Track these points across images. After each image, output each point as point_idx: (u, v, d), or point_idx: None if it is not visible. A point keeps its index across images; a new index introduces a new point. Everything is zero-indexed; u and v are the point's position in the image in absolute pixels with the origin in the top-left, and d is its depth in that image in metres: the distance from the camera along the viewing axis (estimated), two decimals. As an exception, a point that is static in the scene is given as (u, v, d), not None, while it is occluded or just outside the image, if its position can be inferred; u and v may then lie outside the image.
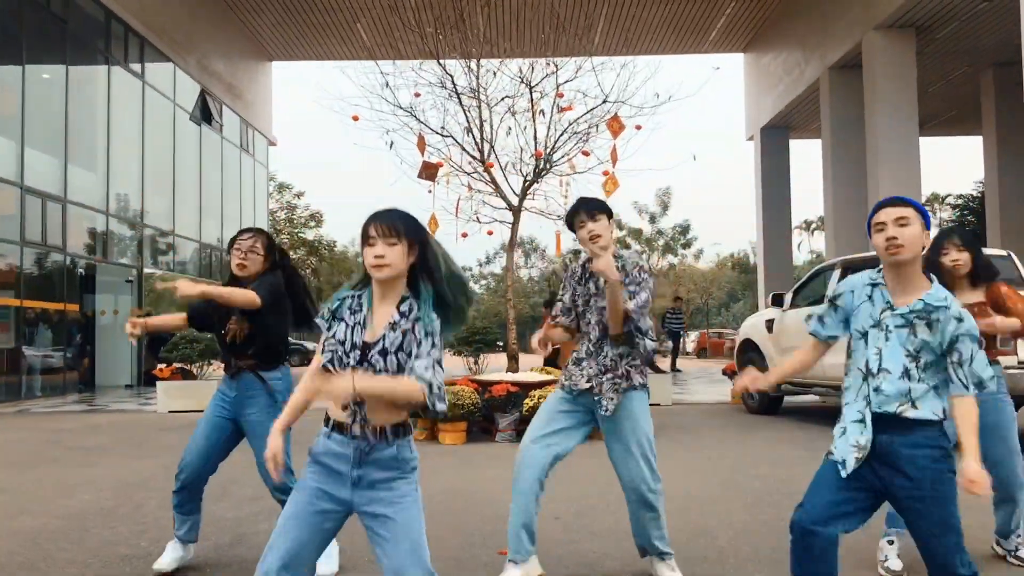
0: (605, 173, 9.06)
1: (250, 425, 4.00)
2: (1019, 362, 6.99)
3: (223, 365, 4.16)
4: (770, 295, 11.21)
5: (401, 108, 9.25)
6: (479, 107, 9.13)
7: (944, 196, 47.14)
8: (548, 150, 9.14)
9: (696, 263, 54.97)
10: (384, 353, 2.39)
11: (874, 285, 2.72)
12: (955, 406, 2.59)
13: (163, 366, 13.40)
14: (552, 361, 14.64)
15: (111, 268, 18.69)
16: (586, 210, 3.85)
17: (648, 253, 53.15)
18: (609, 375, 3.80)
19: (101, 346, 18.68)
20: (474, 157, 9.23)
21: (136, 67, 19.48)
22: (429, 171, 9.03)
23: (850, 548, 4.29)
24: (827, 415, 10.71)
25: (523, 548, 3.80)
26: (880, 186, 18.75)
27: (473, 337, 13.14)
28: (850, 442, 2.64)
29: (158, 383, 12.55)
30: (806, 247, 62.54)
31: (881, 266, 2.73)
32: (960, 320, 2.58)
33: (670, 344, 22.47)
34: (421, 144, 9.13)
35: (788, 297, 10.60)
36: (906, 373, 2.60)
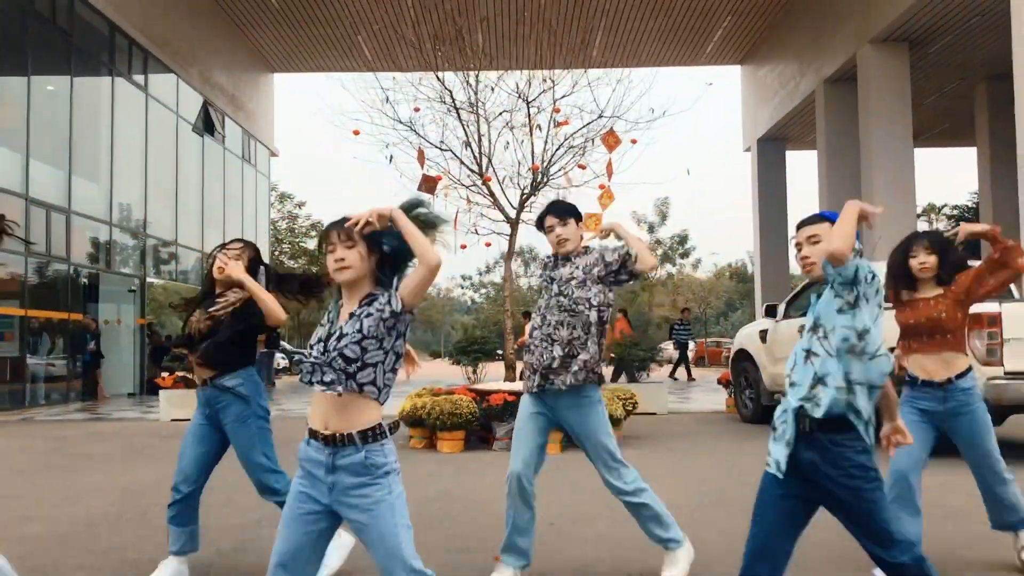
0: (601, 187, 9.25)
1: (229, 433, 4.09)
2: (1005, 372, 7.14)
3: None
4: (764, 306, 11.37)
5: (401, 122, 9.45)
6: (477, 122, 9.32)
7: (941, 206, 47.38)
8: (545, 164, 9.33)
9: (694, 273, 55.14)
10: (340, 337, 2.52)
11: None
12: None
13: (165, 375, 13.56)
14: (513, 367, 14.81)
15: (114, 277, 18.87)
16: (555, 214, 4.01)
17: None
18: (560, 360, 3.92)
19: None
20: (472, 170, 9.41)
21: (140, 79, 19.69)
22: (429, 184, 9.22)
23: (833, 550, 4.45)
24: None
25: (523, 554, 3.97)
26: (875, 198, 18.92)
27: (471, 346, 13.34)
28: (778, 444, 2.75)
29: (161, 392, 12.70)
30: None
31: None
32: (830, 290, 2.71)
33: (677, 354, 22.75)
34: (421, 158, 9.32)
35: (781, 308, 10.76)
36: (819, 381, 2.69)
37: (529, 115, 9.24)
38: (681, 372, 23.59)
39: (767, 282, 27.33)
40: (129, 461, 8.33)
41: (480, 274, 67.58)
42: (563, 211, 4.02)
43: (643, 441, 9.41)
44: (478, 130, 9.35)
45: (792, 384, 2.75)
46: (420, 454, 8.48)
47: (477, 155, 9.35)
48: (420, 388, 9.69)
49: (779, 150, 28.21)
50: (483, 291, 71.39)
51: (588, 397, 4.01)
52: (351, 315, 2.55)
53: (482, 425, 8.78)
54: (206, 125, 23.45)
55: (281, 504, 4.10)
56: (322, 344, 2.57)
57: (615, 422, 8.96)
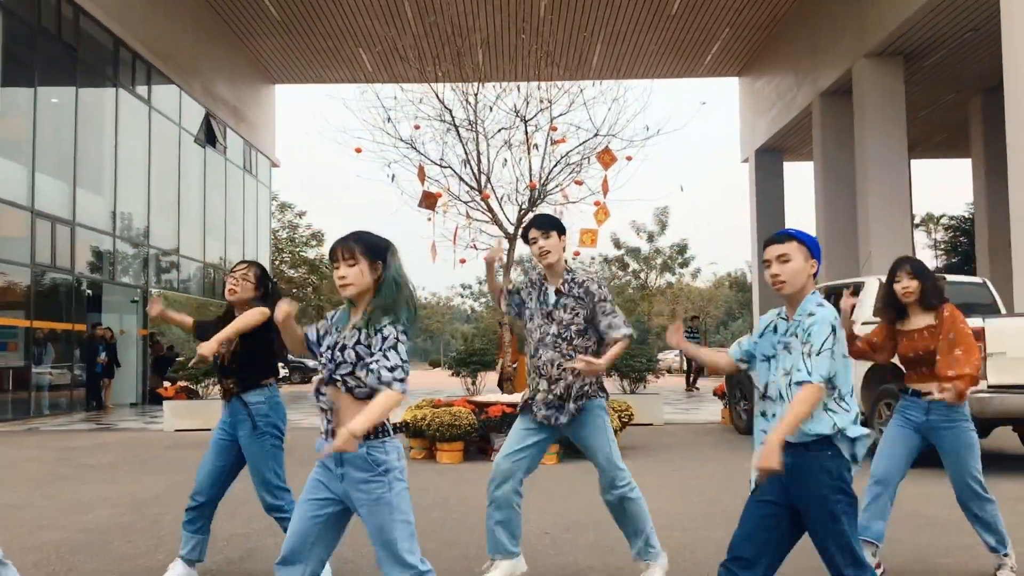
0: (597, 203, 9.47)
1: (242, 446, 4.30)
2: (988, 386, 7.33)
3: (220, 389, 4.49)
4: (760, 319, 11.55)
5: (402, 140, 9.68)
6: (476, 139, 9.55)
7: (939, 216, 47.61)
8: (542, 181, 9.55)
9: (694, 282, 55.32)
10: (343, 349, 2.78)
11: (780, 317, 3.00)
12: (796, 391, 2.76)
13: (167, 384, 13.76)
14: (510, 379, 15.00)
15: (117, 288, 19.08)
16: (539, 227, 4.17)
17: (646, 271, 53.57)
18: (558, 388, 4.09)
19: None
20: (471, 187, 9.64)
21: (143, 92, 19.94)
22: (429, 201, 9.44)
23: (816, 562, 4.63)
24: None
25: (501, 546, 4.13)
26: (870, 209, 19.17)
27: (471, 358, 13.53)
28: (753, 461, 2.90)
29: (165, 402, 12.89)
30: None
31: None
32: (812, 315, 2.82)
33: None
34: (421, 175, 9.55)
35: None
36: (781, 396, 2.86)
37: (527, 133, 9.48)
38: (690, 379, 23.71)
39: (765, 292, 27.54)
40: (136, 471, 8.52)
41: (480, 283, 67.79)
42: (547, 224, 4.17)
43: (639, 452, 9.59)
44: (477, 148, 9.57)
45: (767, 415, 2.93)
46: (420, 464, 8.67)
47: (476, 172, 9.58)
48: (420, 400, 9.89)
49: (776, 161, 28.48)
50: (483, 300, 71.59)
51: (591, 411, 4.17)
52: (354, 325, 2.80)
53: (481, 436, 8.97)
54: (208, 136, 23.70)
55: (282, 521, 4.29)
56: (330, 352, 2.82)
57: (611, 433, 9.16)
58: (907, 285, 4.37)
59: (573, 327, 4.12)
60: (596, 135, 9.66)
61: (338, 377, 2.78)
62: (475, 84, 9.63)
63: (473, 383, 13.91)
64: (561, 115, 9.64)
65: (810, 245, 2.96)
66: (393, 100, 9.79)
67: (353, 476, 2.74)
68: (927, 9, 16.87)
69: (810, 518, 2.83)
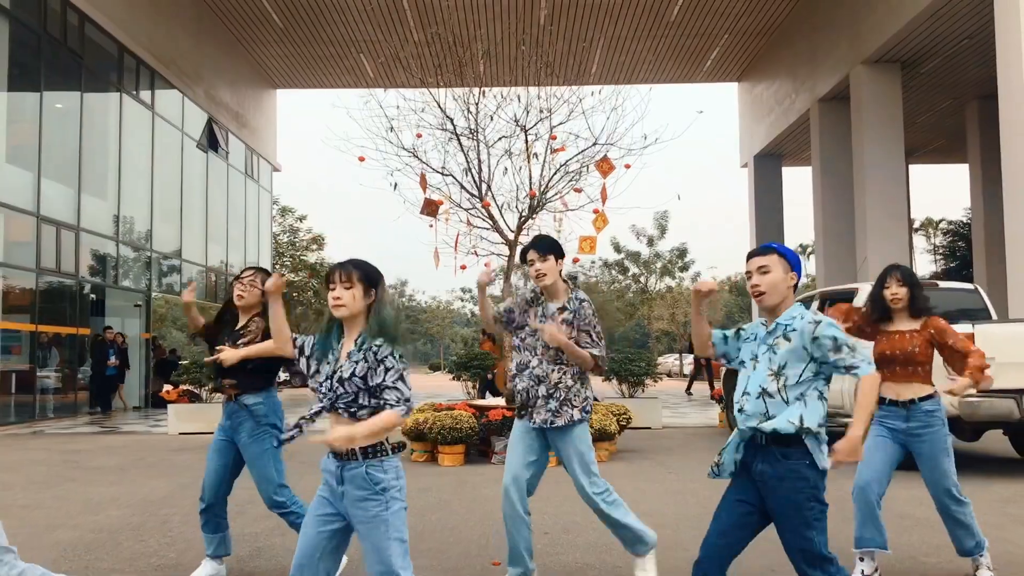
0: (595, 211, 9.64)
1: (242, 448, 4.47)
2: (978, 390, 7.47)
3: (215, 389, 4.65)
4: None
5: (404, 149, 9.86)
6: (477, 148, 9.72)
7: (938, 221, 47.79)
8: (541, 189, 9.72)
9: (693, 286, 55.40)
10: (342, 381, 2.90)
11: (764, 326, 3.14)
12: (859, 390, 3.00)
13: (170, 388, 13.92)
14: (490, 384, 15.19)
15: (120, 292, 19.25)
16: (537, 249, 4.31)
17: (646, 275, 53.66)
18: (552, 397, 4.24)
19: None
20: (472, 195, 9.82)
21: (147, 98, 20.12)
22: (431, 208, 9.61)
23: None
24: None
25: (526, 564, 4.29)
26: (867, 214, 19.35)
27: (472, 362, 13.70)
28: (731, 455, 3.08)
29: (169, 406, 13.05)
30: (802, 271, 63.01)
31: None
32: (818, 322, 2.96)
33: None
34: (423, 183, 9.73)
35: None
36: (764, 392, 2.99)
37: (527, 142, 9.65)
38: (698, 386, 23.81)
39: (763, 296, 27.65)
40: (143, 473, 8.68)
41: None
42: (545, 248, 4.30)
43: (635, 454, 9.76)
44: (478, 156, 9.75)
45: (744, 412, 3.08)
46: (422, 467, 8.84)
47: (477, 181, 9.76)
48: (422, 404, 10.05)
49: (775, 166, 28.67)
50: (483, 303, 71.57)
51: (571, 427, 4.33)
52: (349, 355, 2.93)
53: (482, 439, 9.14)
54: (210, 142, 23.89)
55: (286, 516, 4.47)
56: (328, 382, 2.95)
57: (608, 437, 9.33)
58: (896, 292, 4.53)
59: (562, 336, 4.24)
60: (595, 144, 9.85)
61: (340, 407, 2.90)
62: (476, 93, 9.81)
63: (474, 387, 14.09)
64: (561, 124, 9.83)
65: (790, 258, 3.11)
66: (396, 110, 9.97)
67: (352, 494, 2.88)
68: (923, 17, 17.06)
69: (783, 524, 2.96)
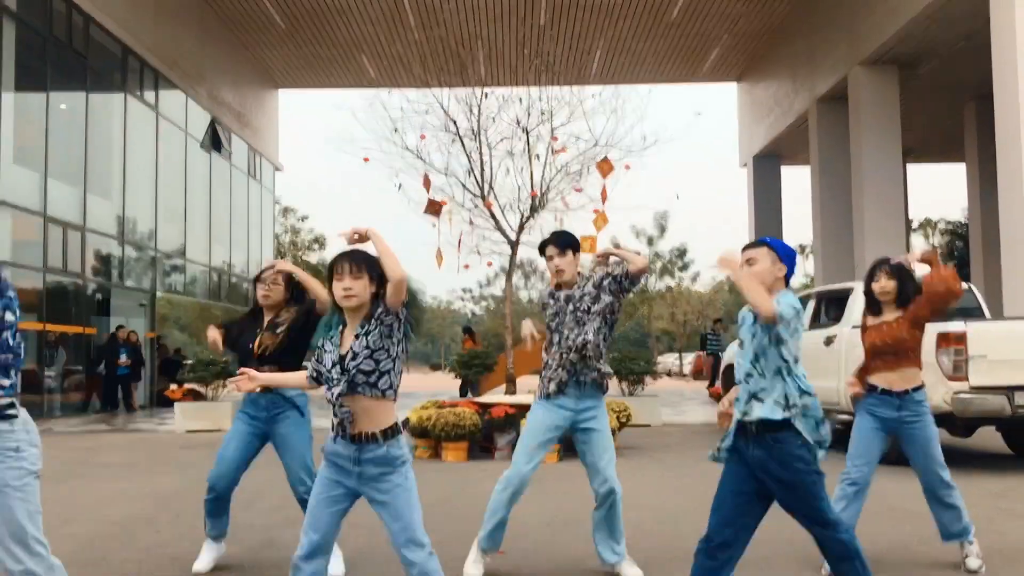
0: (595, 211, 9.82)
1: (282, 439, 4.58)
2: (970, 387, 7.65)
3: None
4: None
5: (408, 150, 10.04)
6: (480, 149, 9.89)
7: (936, 221, 47.96)
8: (543, 189, 9.90)
9: (693, 286, 55.65)
10: (355, 357, 3.06)
11: (750, 311, 3.33)
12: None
13: (174, 387, 14.10)
14: (468, 389, 15.35)
15: (124, 292, 19.42)
16: (556, 244, 4.46)
17: (646, 275, 53.84)
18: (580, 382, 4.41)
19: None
20: (475, 195, 9.99)
21: (151, 99, 20.30)
22: (434, 208, 9.78)
23: (796, 550, 4.96)
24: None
25: (498, 541, 4.54)
26: (865, 214, 19.50)
27: (474, 360, 13.86)
28: (725, 440, 3.29)
29: (176, 404, 13.22)
30: (801, 270, 63.29)
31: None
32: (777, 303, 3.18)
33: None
34: (427, 183, 9.90)
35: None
36: (748, 376, 3.22)
37: (528, 143, 9.83)
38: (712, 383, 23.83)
39: (763, 296, 27.81)
40: (153, 470, 8.85)
41: (481, 286, 68.09)
42: (564, 243, 4.46)
43: (635, 451, 9.93)
44: (480, 157, 9.92)
45: (739, 399, 3.28)
46: (426, 463, 9.00)
47: (479, 181, 9.93)
48: (425, 401, 10.22)
49: (774, 166, 28.81)
50: (483, 303, 71.90)
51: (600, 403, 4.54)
52: (356, 336, 3.08)
53: (485, 436, 9.30)
54: (213, 142, 24.06)
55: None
56: (338, 367, 3.09)
57: (609, 433, 9.49)
58: (884, 285, 4.69)
59: (587, 297, 4.43)
60: (595, 145, 10.03)
61: (359, 382, 3.05)
62: (478, 94, 9.98)
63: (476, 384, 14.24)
64: (562, 125, 10.01)
65: (780, 251, 3.31)
66: (400, 112, 10.15)
67: (371, 472, 3.06)
68: (920, 19, 17.20)
69: (790, 501, 3.18)
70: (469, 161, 9.85)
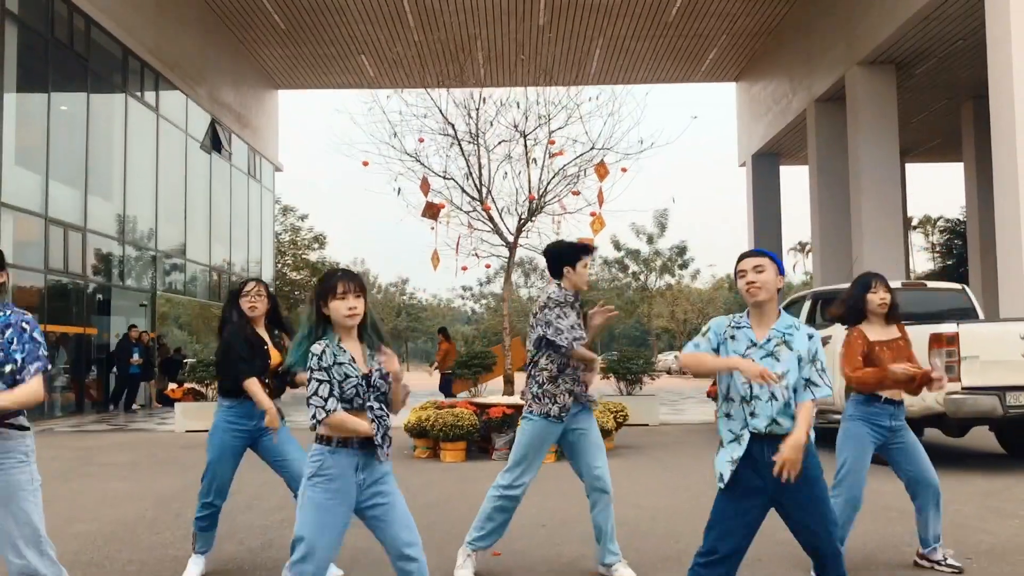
0: (592, 214, 9.91)
1: (277, 449, 4.67)
2: (963, 388, 7.74)
3: (247, 392, 4.62)
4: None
5: (408, 154, 10.12)
6: (478, 152, 9.98)
7: (936, 218, 48.06)
8: (540, 192, 9.98)
9: (693, 283, 55.74)
10: (382, 375, 3.19)
11: (737, 327, 3.37)
12: (806, 404, 3.23)
13: (174, 386, 14.20)
14: (448, 385, 15.43)
15: (125, 292, 19.52)
16: (591, 254, 4.68)
17: (646, 273, 53.98)
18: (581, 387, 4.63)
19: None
20: (473, 198, 10.07)
21: (151, 101, 20.39)
22: (432, 211, 9.87)
23: (790, 553, 5.05)
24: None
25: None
26: (863, 212, 19.59)
27: (472, 361, 13.94)
28: (725, 458, 3.29)
29: (176, 404, 13.32)
30: (801, 268, 63.43)
31: (746, 311, 3.41)
32: (812, 336, 3.30)
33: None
34: (424, 186, 9.98)
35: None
36: (772, 396, 3.24)
37: (526, 147, 9.91)
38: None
39: (761, 294, 27.88)
40: (154, 470, 8.94)
41: (481, 284, 68.17)
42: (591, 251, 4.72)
43: (632, 451, 10.02)
44: (479, 161, 10.00)
45: (732, 416, 3.32)
46: (425, 463, 9.09)
47: (478, 185, 10.01)
48: (424, 402, 10.31)
49: (773, 165, 28.90)
50: (483, 301, 71.99)
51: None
52: (370, 356, 3.21)
53: (483, 436, 9.39)
54: (214, 143, 24.15)
55: None
56: (365, 383, 3.16)
57: (606, 434, 9.58)
58: (884, 297, 4.74)
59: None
60: (592, 148, 10.11)
61: (375, 401, 3.17)
62: (477, 99, 10.06)
63: (475, 385, 14.32)
64: (559, 128, 10.08)
65: (778, 264, 3.38)
66: (398, 115, 10.23)
67: (373, 477, 3.16)
68: (917, 20, 17.29)
69: (802, 500, 3.21)
70: (467, 164, 9.94)
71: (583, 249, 4.64)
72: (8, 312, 3.08)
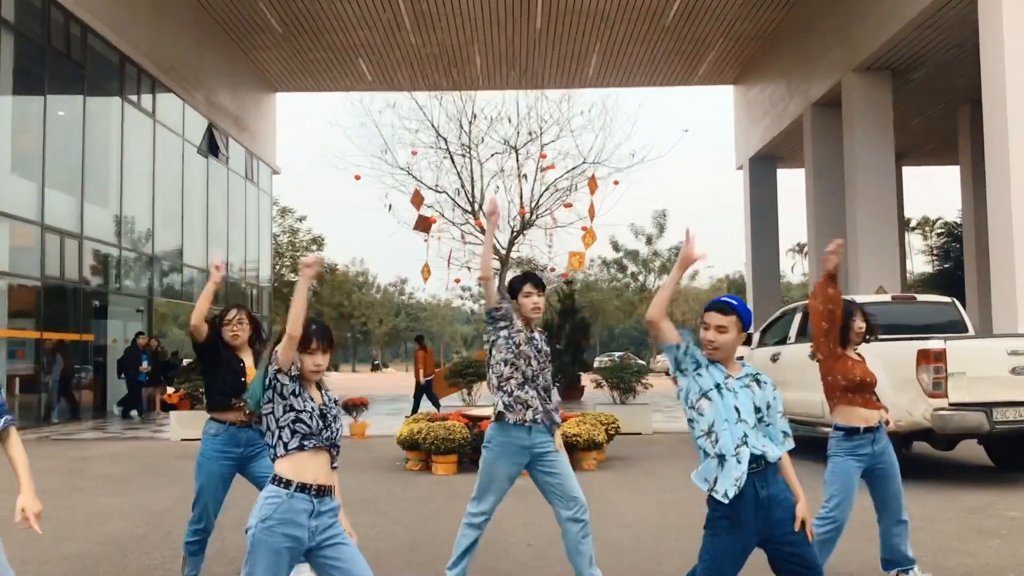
0: (584, 228, 9.94)
1: (263, 473, 4.68)
2: (949, 403, 7.77)
3: (220, 411, 4.70)
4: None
5: (400, 168, 10.16)
6: (470, 165, 10.03)
7: (935, 220, 48.08)
8: (532, 207, 10.03)
9: (692, 284, 55.77)
10: (335, 417, 3.29)
11: (705, 365, 3.34)
12: (787, 461, 3.31)
13: (171, 391, 14.23)
14: (427, 389, 15.48)
15: (122, 298, 19.56)
16: (536, 284, 4.69)
17: (645, 274, 54.06)
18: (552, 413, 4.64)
19: (111, 374, 19.46)
20: (466, 211, 10.12)
21: (148, 106, 20.42)
22: (424, 224, 9.91)
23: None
24: (798, 448, 11.46)
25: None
26: (858, 216, 19.65)
27: (467, 369, 14.01)
28: (730, 477, 3.23)
29: (171, 413, 13.36)
30: (799, 269, 63.42)
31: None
32: (775, 387, 3.39)
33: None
34: (416, 200, 10.02)
35: (756, 336, 11.42)
36: (760, 421, 3.30)
37: (518, 161, 9.95)
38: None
39: (760, 295, 28.00)
40: (147, 483, 8.98)
41: (479, 285, 68.18)
42: (542, 284, 4.72)
43: (623, 461, 10.05)
44: (471, 174, 10.05)
45: (747, 443, 3.33)
46: (416, 476, 9.14)
47: (470, 198, 10.06)
48: (416, 414, 10.35)
49: (770, 168, 28.96)
50: (483, 302, 71.98)
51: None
52: (328, 400, 3.30)
53: (474, 449, 9.41)
54: (211, 147, 24.18)
55: None
56: (323, 420, 3.23)
57: (597, 446, 9.62)
58: (861, 325, 4.90)
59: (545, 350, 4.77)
60: (584, 162, 10.15)
61: (335, 445, 3.26)
62: (469, 112, 10.09)
63: (469, 393, 14.39)
64: (551, 142, 10.13)
65: (744, 319, 3.37)
66: (390, 129, 10.26)
67: (326, 523, 3.16)
68: (912, 26, 17.33)
69: (791, 529, 3.24)
70: (460, 178, 9.99)
71: (522, 279, 4.73)
72: None
